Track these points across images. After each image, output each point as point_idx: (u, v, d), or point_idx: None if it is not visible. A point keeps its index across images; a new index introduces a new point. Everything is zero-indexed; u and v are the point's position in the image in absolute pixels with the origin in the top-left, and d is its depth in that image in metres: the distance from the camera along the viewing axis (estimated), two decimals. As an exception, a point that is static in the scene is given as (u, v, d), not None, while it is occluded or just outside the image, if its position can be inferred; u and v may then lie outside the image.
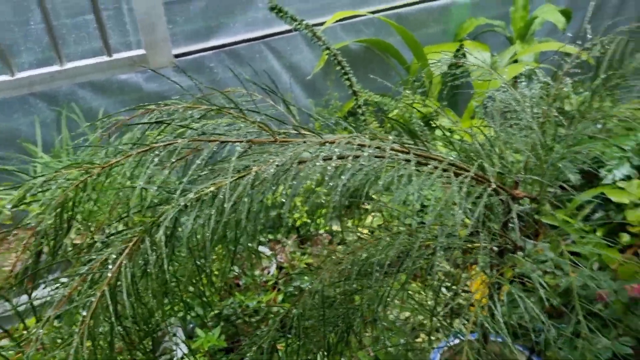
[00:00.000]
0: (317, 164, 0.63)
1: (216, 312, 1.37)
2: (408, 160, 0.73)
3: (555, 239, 1.64)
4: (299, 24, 1.50)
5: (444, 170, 0.76)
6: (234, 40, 1.91)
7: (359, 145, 0.69)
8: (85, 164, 0.60)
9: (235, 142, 0.67)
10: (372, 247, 0.93)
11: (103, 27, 1.46)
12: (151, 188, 0.59)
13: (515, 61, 2.18)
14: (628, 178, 1.49)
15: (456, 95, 2.36)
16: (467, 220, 0.92)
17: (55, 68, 1.53)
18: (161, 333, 1.66)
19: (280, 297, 1.59)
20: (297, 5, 1.99)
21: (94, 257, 0.58)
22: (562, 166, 0.88)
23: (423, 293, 1.02)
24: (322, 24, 1.95)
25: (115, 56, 1.56)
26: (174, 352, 1.67)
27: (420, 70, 2.05)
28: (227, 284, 1.65)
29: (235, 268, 1.66)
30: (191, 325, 1.57)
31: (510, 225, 0.96)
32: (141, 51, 1.57)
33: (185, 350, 1.53)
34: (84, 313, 0.52)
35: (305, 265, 1.71)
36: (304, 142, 0.68)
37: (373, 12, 2.07)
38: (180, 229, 0.60)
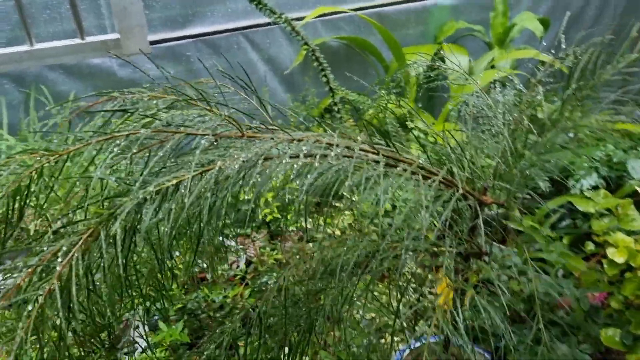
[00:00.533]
0: (283, 161, 0.62)
1: (180, 306, 1.35)
2: (377, 162, 0.72)
3: (520, 246, 1.66)
4: (278, 17, 1.48)
5: (413, 173, 0.75)
6: (212, 30, 1.88)
7: (327, 144, 0.68)
8: (41, 151, 0.57)
9: (201, 135, 0.65)
10: (339, 247, 0.92)
11: (76, 7, 1.42)
12: (110, 179, 0.57)
13: (493, 67, 2.20)
14: (595, 188, 1.51)
15: (433, 98, 2.36)
16: (436, 223, 0.92)
17: (24, 48, 1.48)
18: (123, 325, 1.63)
19: (247, 292, 1.57)
20: (277, -1, 1.97)
21: (44, 248, 0.56)
22: (532, 173, 0.88)
23: (388, 294, 1.02)
24: (302, 18, 1.93)
25: (88, 39, 1.51)
26: (136, 345, 1.65)
27: (397, 71, 2.04)
28: (195, 278, 1.63)
29: (202, 262, 1.63)
30: (155, 318, 1.54)
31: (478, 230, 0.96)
32: (115, 35, 1.53)
33: (148, 343, 1.50)
34: (30, 307, 0.50)
35: (274, 261, 1.70)
36: (272, 138, 0.66)
37: (354, 10, 2.06)
38: (138, 223, 0.58)
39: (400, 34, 2.25)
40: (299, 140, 0.66)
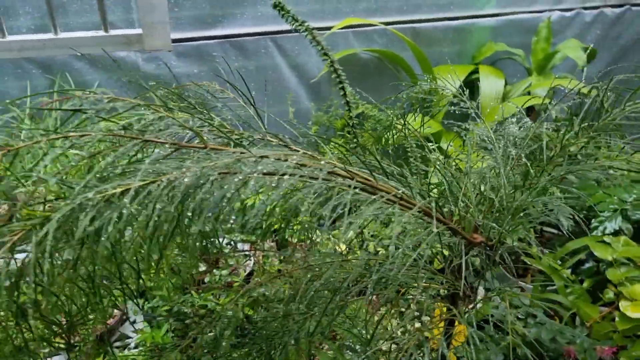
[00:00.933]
0: (235, 180, 0.58)
1: (167, 307, 1.33)
2: (351, 187, 0.67)
3: (536, 286, 1.57)
4: (300, 24, 1.44)
5: (391, 202, 0.70)
6: (241, 32, 1.87)
7: (298, 164, 0.64)
8: (-14, 144, 0.56)
9: (159, 142, 0.62)
10: (340, 267, 0.88)
11: (102, 1, 1.43)
12: (51, 180, 0.54)
13: (529, 93, 2.10)
14: (617, 233, 1.41)
15: (464, 120, 2.28)
16: (429, 253, 0.86)
17: (48, 36, 1.50)
18: (118, 320, 1.62)
19: (243, 300, 1.54)
20: (309, 6, 1.94)
21: (-24, 245, 0.54)
22: (527, 213, 0.82)
23: (388, 320, 0.97)
24: (332, 27, 1.90)
25: (112, 32, 1.52)
26: (128, 340, 1.64)
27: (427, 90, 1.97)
28: (196, 281, 1.62)
29: (202, 266, 1.62)
30: (151, 316, 1.53)
31: (471, 269, 0.90)
32: (138, 31, 1.53)
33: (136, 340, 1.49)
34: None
35: (276, 272, 1.66)
36: (233, 153, 0.63)
37: (387, 23, 2.01)
38: (74, 229, 0.55)
39: (435, 51, 2.19)
40: (262, 157, 0.62)
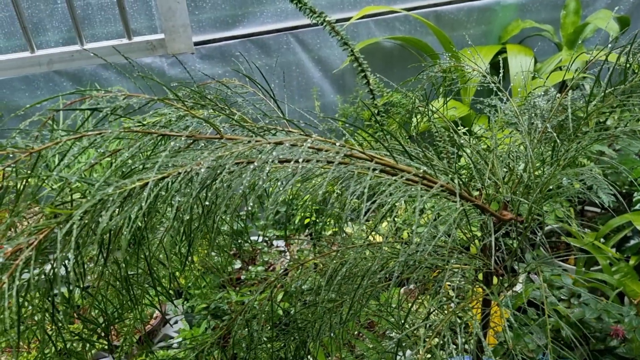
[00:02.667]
0: (251, 167, 0.58)
1: (204, 305, 1.34)
2: (370, 169, 0.67)
3: (579, 265, 1.53)
4: (318, 16, 1.44)
5: (412, 181, 0.69)
6: (261, 30, 1.88)
7: (312, 148, 0.64)
8: (10, 148, 0.57)
9: (175, 136, 0.63)
10: (377, 254, 0.88)
11: (124, 9, 1.46)
12: (70, 178, 0.55)
13: (560, 69, 2.04)
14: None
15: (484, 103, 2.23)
16: (461, 236, 0.85)
17: (75, 48, 1.54)
18: (158, 321, 1.66)
19: (279, 296, 1.55)
20: (329, -3, 1.93)
21: (5, 245, 0.55)
22: (557, 187, 0.79)
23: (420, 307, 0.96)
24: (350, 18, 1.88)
25: (135, 39, 1.55)
26: (171, 340, 1.67)
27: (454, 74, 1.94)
28: (232, 278, 1.63)
29: (237, 263, 1.63)
30: (189, 315, 1.56)
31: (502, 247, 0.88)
32: (160, 36, 1.56)
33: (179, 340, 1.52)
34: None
35: (311, 266, 1.66)
36: (248, 142, 0.63)
37: (408, 9, 1.98)
38: (95, 225, 0.57)
39: (459, 34, 2.15)
40: (277, 144, 0.62)
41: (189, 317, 1.57)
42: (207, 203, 0.58)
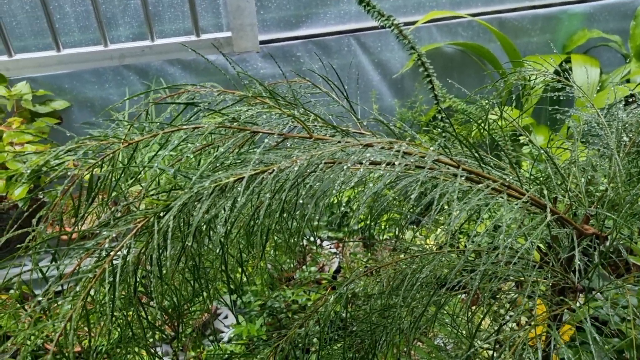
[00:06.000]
0: (344, 167, 0.58)
1: (261, 302, 1.36)
2: (457, 175, 0.66)
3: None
4: (386, 19, 1.44)
5: (497, 191, 0.68)
6: (324, 32, 1.89)
7: (397, 151, 0.64)
8: (110, 138, 0.59)
9: (266, 133, 0.63)
10: (411, 264, 0.87)
11: (194, 6, 1.49)
12: (169, 170, 0.57)
13: (628, 81, 1.97)
14: None
15: (554, 113, 2.18)
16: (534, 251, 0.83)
17: (146, 43, 1.58)
18: (212, 313, 1.68)
19: (332, 297, 1.55)
20: (392, 2, 1.93)
21: (104, 233, 0.57)
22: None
23: (462, 317, 0.94)
24: (416, 22, 1.87)
25: (203, 37, 1.58)
26: (222, 335, 1.69)
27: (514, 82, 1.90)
28: (282, 277, 1.64)
29: (291, 262, 1.64)
30: (243, 310, 1.57)
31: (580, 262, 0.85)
32: (227, 34, 1.58)
33: (231, 334, 1.54)
34: (77, 288, 0.51)
35: (363, 269, 1.66)
36: (339, 142, 0.63)
37: (472, 15, 1.95)
38: (191, 218, 0.58)
39: (522, 42, 2.11)
40: (367, 146, 0.62)
41: (240, 311, 1.59)
42: (300, 201, 0.58)
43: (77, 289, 0.51)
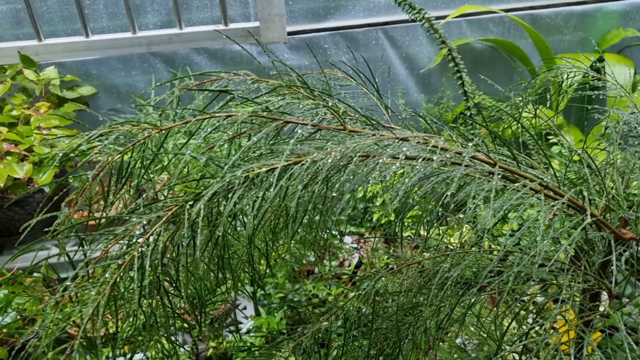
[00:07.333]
0: (380, 161, 0.57)
1: (282, 295, 1.35)
2: (493, 174, 0.64)
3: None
4: (417, 12, 1.41)
5: (534, 191, 0.66)
6: (352, 24, 1.86)
7: (433, 147, 0.62)
8: (142, 124, 0.58)
9: (299, 124, 0.62)
10: (443, 262, 0.85)
11: (223, -5, 1.48)
12: (200, 158, 0.56)
13: (664, 82, 1.92)
14: None
15: (586, 112, 2.13)
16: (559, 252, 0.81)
17: (174, 31, 1.58)
18: (229, 305, 1.68)
19: (352, 293, 1.54)
20: (423, -5, 1.90)
21: (134, 219, 0.56)
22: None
23: (490, 319, 0.92)
24: (445, 17, 1.84)
25: (231, 26, 1.57)
26: (240, 326, 1.69)
27: (547, 80, 1.86)
28: (302, 270, 1.63)
29: (311, 255, 1.63)
30: (262, 302, 1.57)
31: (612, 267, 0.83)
32: (255, 23, 1.57)
33: (250, 326, 1.54)
34: (107, 275, 0.51)
35: (384, 265, 1.64)
36: (373, 135, 0.61)
37: (505, 10, 1.91)
38: (222, 207, 0.57)
39: (554, 39, 2.06)
40: (403, 140, 0.61)
41: (260, 303, 1.59)
42: (334, 194, 0.57)
43: (107, 275, 0.51)
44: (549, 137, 1.85)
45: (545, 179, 0.66)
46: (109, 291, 0.52)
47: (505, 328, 0.82)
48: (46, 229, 0.67)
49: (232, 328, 1.67)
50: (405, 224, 1.70)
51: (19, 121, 1.50)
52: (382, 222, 1.66)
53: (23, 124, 1.49)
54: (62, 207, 0.63)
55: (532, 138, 1.16)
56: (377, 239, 1.71)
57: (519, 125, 1.23)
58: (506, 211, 0.64)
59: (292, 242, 1.29)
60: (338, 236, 1.72)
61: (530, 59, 1.99)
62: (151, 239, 0.53)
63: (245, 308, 1.81)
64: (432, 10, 1.90)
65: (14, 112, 1.51)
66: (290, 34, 1.79)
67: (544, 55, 1.88)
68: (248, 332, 1.61)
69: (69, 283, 0.53)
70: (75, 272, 0.53)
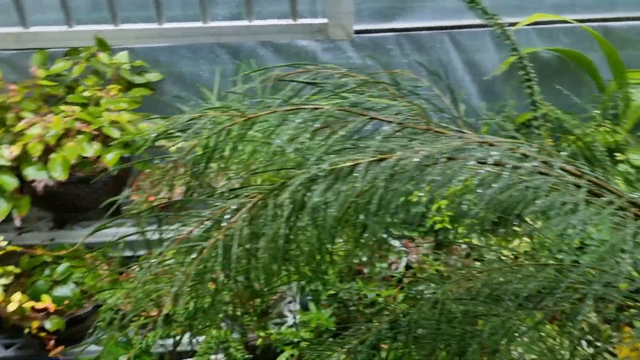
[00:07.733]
0: (468, 164, 0.56)
1: (332, 292, 1.35)
2: (578, 186, 0.62)
3: None
4: (490, 17, 1.38)
5: (621, 208, 0.64)
6: (418, 26, 1.85)
7: (522, 154, 0.60)
8: (232, 110, 0.59)
9: (385, 120, 0.62)
10: (511, 273, 0.83)
11: (295, -10, 1.49)
12: (287, 148, 0.57)
13: None
14: None
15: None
16: (634, 273, 0.78)
17: (243, 23, 1.60)
18: (278, 297, 1.69)
19: (401, 296, 1.53)
20: (491, 1, 1.86)
21: (218, 204, 0.58)
22: None
23: (557, 340, 0.89)
24: (516, 24, 1.80)
25: (299, 21, 1.58)
26: (286, 318, 1.71)
27: (616, 94, 1.80)
28: (352, 269, 1.63)
29: (362, 255, 1.62)
30: (307, 298, 1.58)
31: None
32: (323, 20, 1.58)
33: (297, 320, 1.55)
34: (193, 256, 0.52)
35: (434, 272, 1.62)
36: (460, 137, 0.60)
37: (578, 21, 1.86)
38: (306, 198, 0.57)
39: (627, 53, 1.98)
40: (490, 144, 0.59)
41: (307, 298, 1.59)
42: (421, 194, 0.56)
43: (193, 255, 0.52)
44: (615, 155, 1.78)
45: (635, 196, 0.64)
46: (193, 270, 0.53)
47: (572, 349, 0.80)
48: (112, 209, 0.69)
49: (278, 321, 1.69)
50: (459, 231, 1.68)
51: (90, 102, 1.55)
52: (437, 227, 1.64)
53: (93, 105, 1.54)
54: (124, 189, 0.65)
55: (602, 153, 1.12)
56: (428, 244, 1.70)
57: (591, 139, 1.19)
58: (590, 226, 0.62)
59: (346, 240, 1.29)
60: (390, 238, 1.71)
61: (599, 72, 1.93)
62: (240, 223, 0.53)
63: (290, 302, 1.83)
64: (502, 16, 1.87)
65: (86, 93, 1.56)
66: (356, 32, 1.79)
67: (616, 69, 1.81)
68: (291, 326, 1.61)
69: (154, 260, 0.55)
70: (160, 251, 0.55)
